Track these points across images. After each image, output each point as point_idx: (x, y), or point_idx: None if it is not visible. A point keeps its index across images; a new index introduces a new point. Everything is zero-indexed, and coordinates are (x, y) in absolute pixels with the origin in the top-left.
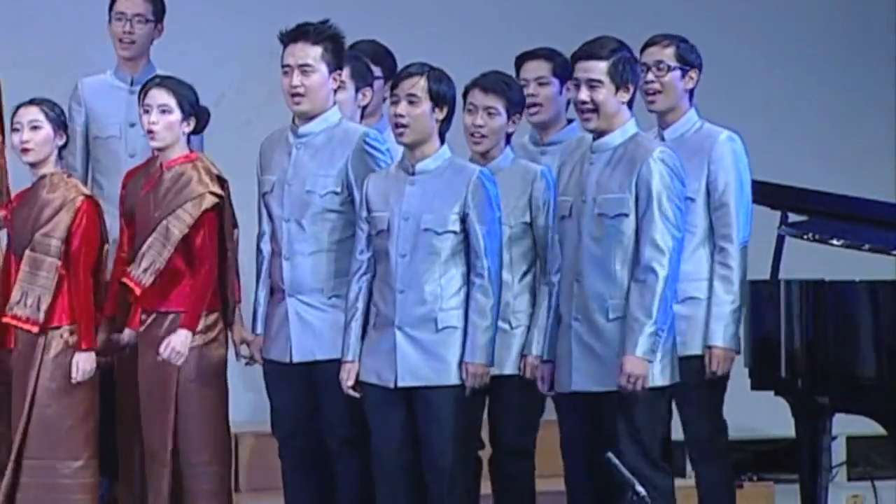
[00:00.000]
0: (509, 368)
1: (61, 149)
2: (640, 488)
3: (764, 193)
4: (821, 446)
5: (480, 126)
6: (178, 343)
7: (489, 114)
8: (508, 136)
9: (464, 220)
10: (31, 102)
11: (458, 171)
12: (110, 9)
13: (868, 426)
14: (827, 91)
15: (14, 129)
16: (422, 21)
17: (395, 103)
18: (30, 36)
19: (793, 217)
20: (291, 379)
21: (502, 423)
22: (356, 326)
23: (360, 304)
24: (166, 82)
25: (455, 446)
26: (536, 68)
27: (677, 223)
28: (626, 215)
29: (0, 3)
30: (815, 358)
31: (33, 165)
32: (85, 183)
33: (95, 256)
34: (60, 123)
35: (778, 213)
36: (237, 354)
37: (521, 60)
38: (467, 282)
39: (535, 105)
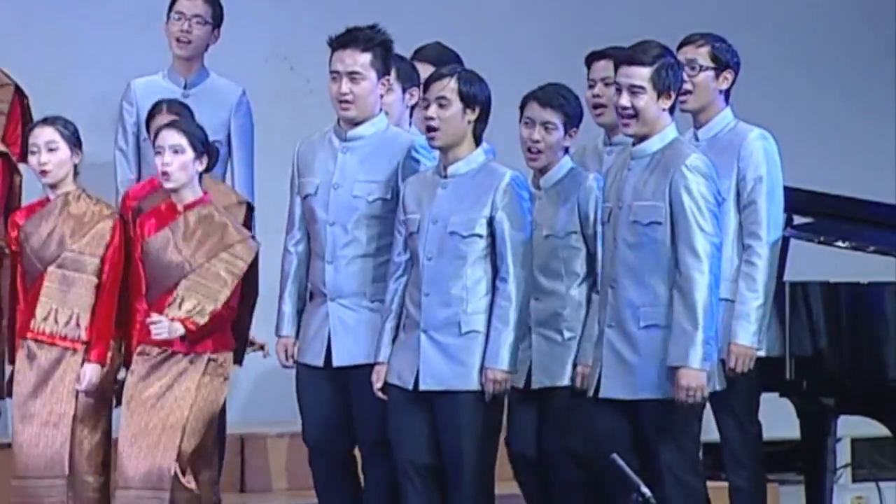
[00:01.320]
0: (564, 380)
1: (76, 166)
2: (645, 490)
3: None
4: (826, 448)
5: (537, 141)
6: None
7: (546, 129)
8: (566, 150)
9: (491, 223)
10: (45, 122)
11: (489, 175)
12: (170, 8)
13: (873, 428)
14: (827, 91)
15: (31, 152)
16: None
17: (425, 107)
18: (35, 42)
19: (798, 219)
20: (326, 384)
21: (557, 432)
22: (389, 328)
23: (395, 307)
24: (176, 122)
25: (474, 451)
26: (605, 68)
27: (714, 230)
28: (660, 223)
29: (7, 7)
30: (820, 360)
31: (52, 186)
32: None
33: (122, 274)
34: (76, 141)
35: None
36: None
37: (591, 59)
38: (493, 287)
39: (601, 105)
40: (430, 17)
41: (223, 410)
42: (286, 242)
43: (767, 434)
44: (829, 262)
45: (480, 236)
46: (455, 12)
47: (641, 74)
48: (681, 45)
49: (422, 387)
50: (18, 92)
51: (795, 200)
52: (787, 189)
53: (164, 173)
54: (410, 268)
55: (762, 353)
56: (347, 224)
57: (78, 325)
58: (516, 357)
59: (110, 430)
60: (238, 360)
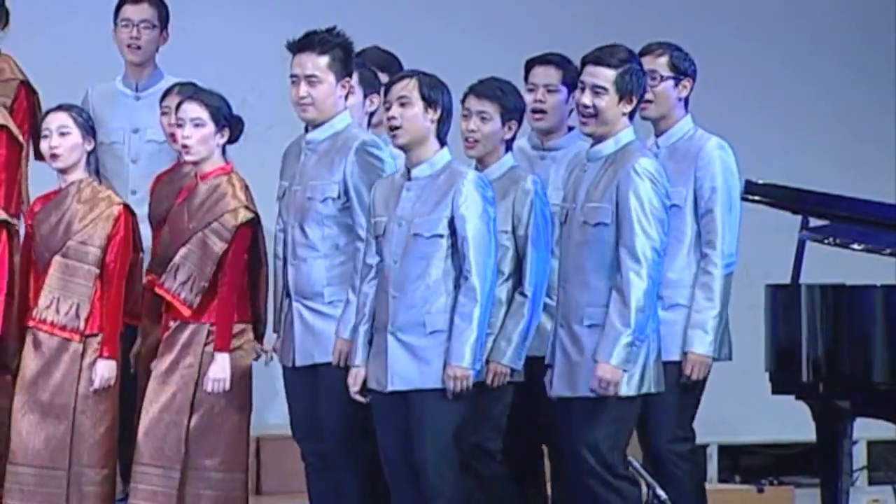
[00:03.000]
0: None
1: (89, 154)
2: (660, 492)
3: (784, 197)
4: (842, 450)
5: (473, 131)
6: (217, 371)
7: (482, 119)
8: (509, 143)
9: (452, 223)
10: (60, 108)
11: (451, 175)
12: (115, 16)
13: (889, 430)
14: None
15: (43, 136)
16: (435, 28)
17: (388, 108)
18: (44, 43)
19: (813, 221)
20: (300, 382)
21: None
22: (363, 331)
23: (367, 310)
24: (198, 95)
25: (441, 449)
26: (546, 74)
27: (657, 235)
28: (607, 224)
29: (16, 12)
30: (836, 362)
31: (62, 171)
32: None
33: (129, 266)
34: (89, 129)
35: (798, 218)
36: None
37: (530, 65)
38: (457, 286)
39: (540, 111)
40: (436, 19)
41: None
42: (274, 246)
43: (783, 437)
44: (844, 265)
45: (442, 236)
46: (457, 15)
47: (606, 76)
48: (639, 55)
49: (389, 387)
50: (26, 87)
51: (810, 203)
52: (801, 191)
53: (185, 146)
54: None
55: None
56: (304, 225)
57: (77, 315)
58: (478, 354)
59: (117, 423)
60: (258, 336)
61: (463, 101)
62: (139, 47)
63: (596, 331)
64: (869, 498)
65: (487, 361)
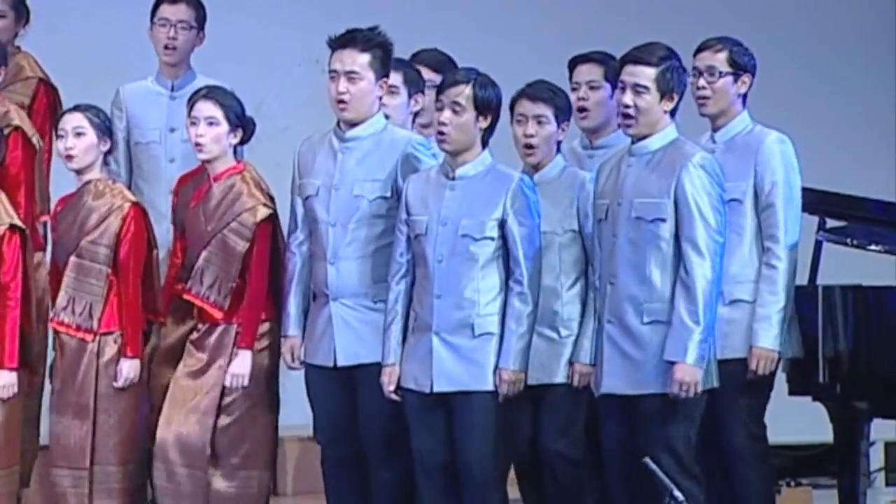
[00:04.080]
0: (559, 377)
1: (106, 154)
2: (678, 494)
3: (802, 198)
4: (859, 451)
5: (531, 136)
6: (237, 367)
7: (539, 122)
8: (558, 144)
9: (502, 226)
10: (76, 109)
11: (499, 178)
12: (153, 14)
13: None
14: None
15: (59, 136)
16: (458, 29)
17: (439, 110)
18: (69, 43)
19: (831, 222)
20: (334, 384)
21: (550, 431)
22: (396, 330)
23: (400, 308)
24: (213, 94)
25: (488, 452)
26: (589, 72)
27: (718, 228)
28: (664, 220)
29: (40, 11)
30: (853, 363)
31: (78, 172)
32: (129, 188)
33: (143, 263)
34: (105, 130)
35: (816, 218)
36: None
37: (573, 63)
38: (505, 288)
39: (584, 109)
40: (459, 21)
41: (275, 407)
42: (289, 243)
43: (800, 438)
44: (861, 266)
45: (492, 239)
46: (480, 17)
47: (647, 74)
48: (698, 51)
49: (436, 388)
50: (45, 84)
51: (828, 204)
52: (818, 192)
53: (198, 144)
54: (414, 269)
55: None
56: (348, 224)
57: (90, 315)
58: (528, 358)
59: (142, 421)
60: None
61: (512, 107)
62: (175, 48)
63: (657, 327)
64: (887, 499)
65: (571, 363)
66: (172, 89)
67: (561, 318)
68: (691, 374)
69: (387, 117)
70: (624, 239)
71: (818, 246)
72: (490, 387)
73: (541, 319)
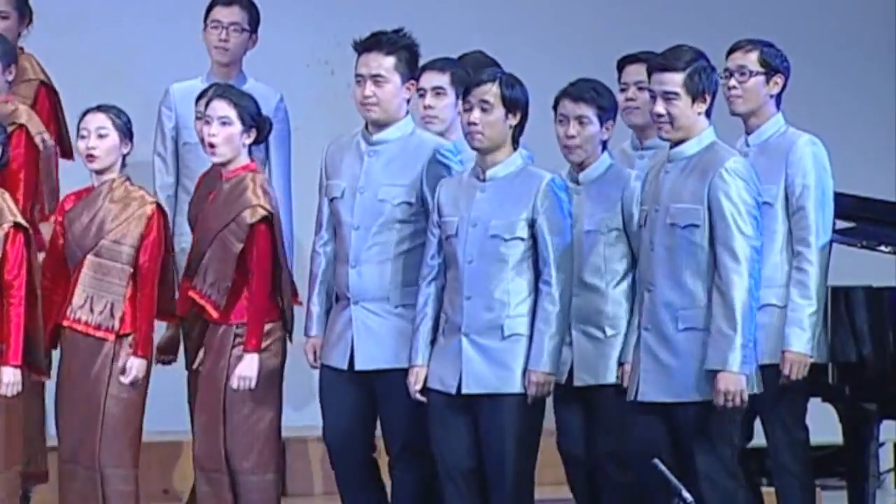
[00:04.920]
0: (609, 377)
1: (125, 156)
2: (686, 494)
3: None
4: (868, 452)
5: (573, 136)
6: (244, 369)
7: (581, 123)
8: (604, 144)
9: (532, 226)
10: (99, 109)
11: (529, 178)
12: (206, 16)
13: None
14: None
15: (81, 136)
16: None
17: (467, 110)
18: (89, 42)
19: (840, 223)
20: (349, 386)
21: (605, 432)
22: (425, 331)
23: (429, 310)
24: (227, 93)
25: (517, 454)
26: (637, 72)
27: (753, 233)
28: (698, 226)
29: (50, 13)
30: (862, 364)
31: (98, 172)
32: (175, 187)
33: (161, 265)
34: (126, 132)
35: None
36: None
37: (622, 63)
38: (535, 289)
39: (633, 108)
40: (467, 21)
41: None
42: (314, 244)
43: (811, 439)
44: (871, 267)
45: (522, 239)
46: (490, 16)
47: (675, 80)
48: (730, 52)
49: (464, 390)
50: (46, 87)
51: (838, 204)
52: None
53: (211, 144)
54: (445, 271)
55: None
56: (372, 228)
57: (112, 314)
58: (559, 360)
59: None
60: (288, 332)
61: (555, 107)
62: (227, 49)
63: (692, 334)
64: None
65: (621, 363)
66: None
67: (606, 317)
68: (735, 382)
69: (435, 118)
70: (660, 245)
71: (828, 247)
72: (518, 389)
73: (587, 319)
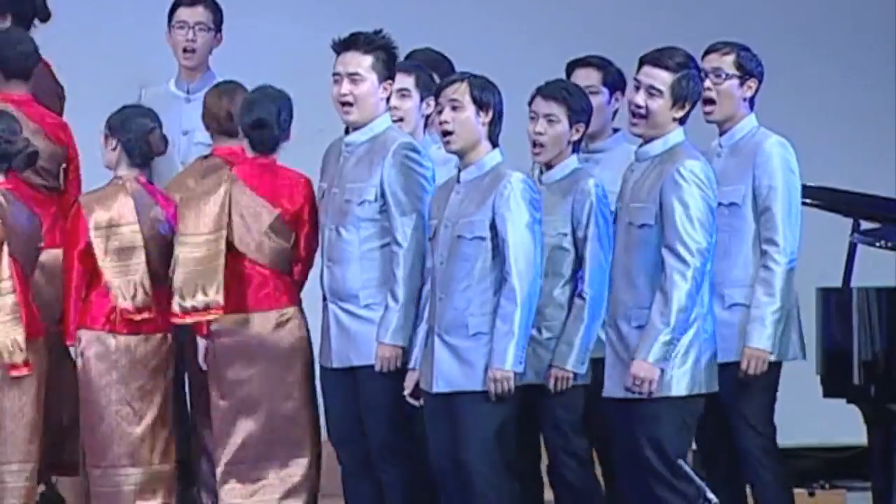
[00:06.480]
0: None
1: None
2: (710, 495)
3: (836, 200)
4: (893, 454)
5: (541, 133)
6: None
7: (549, 121)
8: (576, 145)
9: (493, 225)
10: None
11: (496, 177)
12: (170, 18)
13: None
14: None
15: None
16: (482, 29)
17: (439, 112)
18: (95, 47)
19: (865, 224)
20: (338, 384)
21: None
22: (422, 335)
23: (426, 313)
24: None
25: (482, 451)
26: (586, 76)
27: (702, 236)
28: (651, 225)
29: (68, 14)
30: (888, 365)
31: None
32: None
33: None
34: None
35: (850, 221)
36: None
37: (571, 68)
38: (500, 287)
39: None
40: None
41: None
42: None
43: (835, 440)
44: (892, 268)
45: (483, 238)
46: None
47: (662, 78)
48: (706, 53)
49: (434, 389)
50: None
51: (862, 205)
52: (852, 194)
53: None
54: None
55: (773, 358)
56: (340, 227)
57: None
58: (522, 356)
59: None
60: None
61: (530, 104)
62: (194, 50)
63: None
64: None
65: (550, 366)
66: (188, 92)
67: (545, 319)
68: (647, 371)
69: (400, 119)
70: (620, 244)
71: (853, 248)
72: (482, 386)
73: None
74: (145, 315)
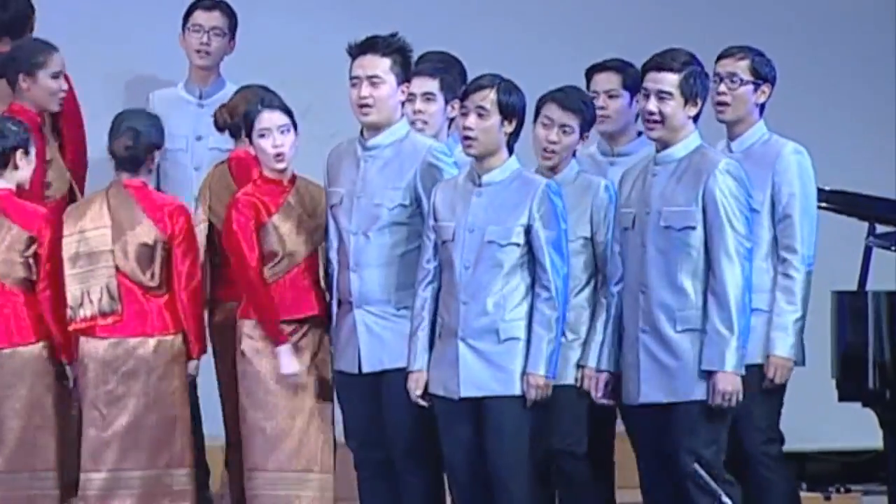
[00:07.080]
0: (568, 379)
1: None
2: (726, 499)
3: (852, 204)
4: None
5: (554, 142)
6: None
7: (564, 131)
8: (574, 151)
9: (528, 232)
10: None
11: (525, 183)
12: (185, 20)
13: None
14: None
15: None
16: (498, 32)
17: (464, 115)
18: (104, 50)
19: (880, 228)
20: (361, 390)
21: (557, 430)
22: (423, 336)
23: (426, 314)
24: (277, 105)
25: (517, 456)
26: (607, 80)
27: (747, 234)
28: (693, 228)
29: (76, 17)
30: None
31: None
32: None
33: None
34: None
35: (865, 224)
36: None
37: (591, 72)
38: (531, 293)
39: (604, 117)
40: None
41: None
42: (327, 253)
43: (850, 444)
44: None
45: (518, 245)
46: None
47: (670, 80)
48: (720, 58)
49: (463, 394)
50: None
51: (877, 209)
52: (868, 197)
53: (279, 154)
54: (440, 275)
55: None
56: (370, 232)
57: None
58: (557, 364)
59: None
60: None
61: (540, 107)
62: (208, 53)
63: (690, 335)
64: None
65: (579, 366)
66: (201, 97)
67: (567, 323)
68: (732, 382)
69: (425, 123)
70: (653, 248)
71: (868, 251)
72: (517, 391)
73: None
74: (110, 320)
